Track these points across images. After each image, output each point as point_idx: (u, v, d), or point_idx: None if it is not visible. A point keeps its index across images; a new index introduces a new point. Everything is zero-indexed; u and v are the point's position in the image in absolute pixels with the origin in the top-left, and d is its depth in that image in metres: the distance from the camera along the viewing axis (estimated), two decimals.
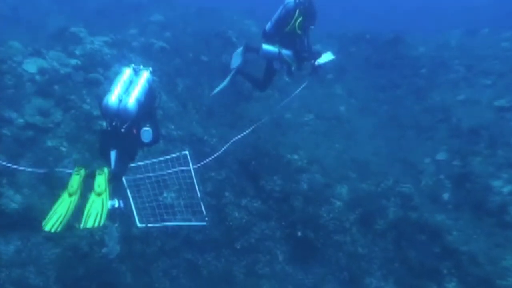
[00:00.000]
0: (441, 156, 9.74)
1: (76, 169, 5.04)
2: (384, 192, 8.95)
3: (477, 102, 10.91)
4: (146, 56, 12.06)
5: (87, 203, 4.85)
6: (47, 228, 4.66)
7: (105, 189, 4.88)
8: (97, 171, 4.96)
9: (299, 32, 6.79)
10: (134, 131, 5.15)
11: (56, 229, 4.66)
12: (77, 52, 10.29)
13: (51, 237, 7.15)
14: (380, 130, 11.23)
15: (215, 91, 8.15)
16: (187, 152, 8.21)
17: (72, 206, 4.83)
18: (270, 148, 9.79)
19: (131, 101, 5.02)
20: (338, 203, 8.83)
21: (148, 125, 5.33)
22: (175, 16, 16.85)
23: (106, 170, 4.98)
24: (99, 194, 4.86)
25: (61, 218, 4.73)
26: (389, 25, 18.21)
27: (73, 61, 9.81)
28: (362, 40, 15.52)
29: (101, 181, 4.90)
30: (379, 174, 9.41)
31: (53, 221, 4.70)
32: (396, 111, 11.92)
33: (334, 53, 7.88)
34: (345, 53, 14.15)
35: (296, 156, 9.63)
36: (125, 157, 5.32)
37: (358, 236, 8.41)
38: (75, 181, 4.92)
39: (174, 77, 11.80)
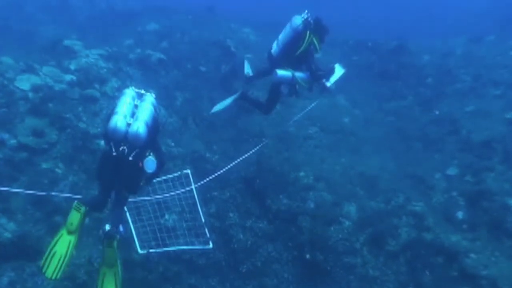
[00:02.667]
0: (451, 171, 9.38)
1: (76, 204, 4.68)
2: (395, 210, 8.58)
3: (487, 113, 10.56)
4: (144, 68, 11.69)
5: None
6: (48, 275, 4.36)
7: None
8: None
9: (309, 52, 6.52)
10: (140, 163, 4.77)
11: (57, 276, 4.35)
12: (72, 67, 9.88)
13: None
14: (386, 143, 10.88)
15: (215, 109, 7.79)
16: (188, 171, 7.84)
17: (72, 246, 4.50)
18: (275, 164, 9.42)
19: (142, 125, 4.64)
20: (347, 222, 8.46)
21: (150, 153, 4.94)
22: (171, 24, 16.48)
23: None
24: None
25: (62, 261, 4.40)
26: (390, 32, 17.97)
27: (68, 77, 9.40)
28: (364, 48, 15.23)
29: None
30: (389, 190, 9.04)
31: (54, 265, 4.38)
32: (402, 122, 11.58)
33: (343, 66, 7.57)
34: (347, 62, 13.81)
35: (302, 173, 9.26)
36: (125, 195, 4.95)
37: (369, 257, 8.03)
38: (75, 218, 4.57)
39: (172, 90, 11.44)
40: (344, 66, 7.42)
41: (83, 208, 4.62)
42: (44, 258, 4.54)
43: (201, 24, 17.06)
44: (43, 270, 4.45)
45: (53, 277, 4.39)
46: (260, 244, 8.40)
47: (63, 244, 4.50)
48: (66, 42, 10.83)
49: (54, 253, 4.47)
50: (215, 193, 8.88)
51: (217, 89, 11.79)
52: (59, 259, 4.41)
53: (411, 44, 14.63)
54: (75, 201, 4.72)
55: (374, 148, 10.71)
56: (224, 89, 11.41)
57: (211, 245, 7.56)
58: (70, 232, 4.55)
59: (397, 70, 13.48)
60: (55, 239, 4.60)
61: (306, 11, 6.54)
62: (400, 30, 19.33)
